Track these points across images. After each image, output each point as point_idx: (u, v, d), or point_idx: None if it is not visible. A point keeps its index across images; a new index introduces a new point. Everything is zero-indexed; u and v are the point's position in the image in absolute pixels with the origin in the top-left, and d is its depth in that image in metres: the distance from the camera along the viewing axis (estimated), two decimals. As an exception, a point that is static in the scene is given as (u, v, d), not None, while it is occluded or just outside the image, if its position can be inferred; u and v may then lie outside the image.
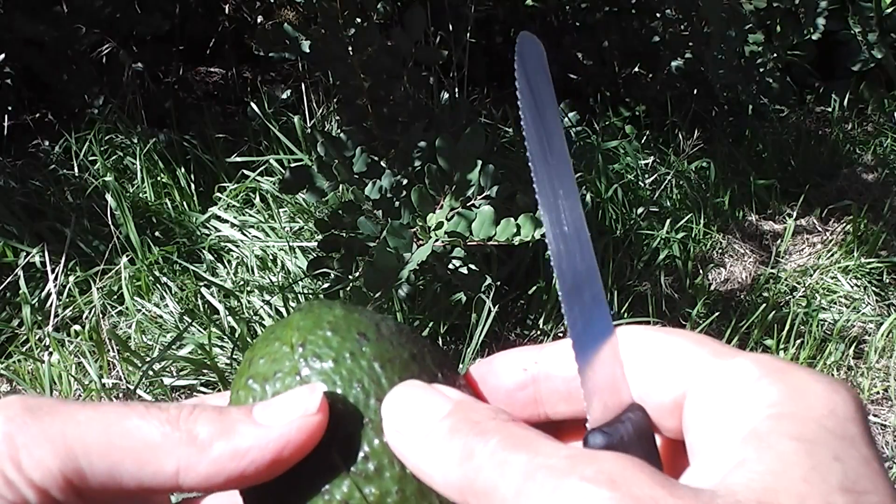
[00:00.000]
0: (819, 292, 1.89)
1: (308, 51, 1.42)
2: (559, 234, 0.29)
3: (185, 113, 2.17)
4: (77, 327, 1.54)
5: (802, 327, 1.73)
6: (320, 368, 0.28)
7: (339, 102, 1.90)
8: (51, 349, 1.48)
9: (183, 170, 1.92)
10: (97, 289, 1.60)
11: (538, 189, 0.29)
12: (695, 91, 2.32)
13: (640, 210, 1.99)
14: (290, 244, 1.72)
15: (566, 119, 2.24)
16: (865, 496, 0.21)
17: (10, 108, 2.09)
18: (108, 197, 1.76)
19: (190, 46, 2.38)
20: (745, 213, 2.16)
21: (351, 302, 1.27)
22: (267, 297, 1.61)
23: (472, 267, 1.52)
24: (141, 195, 1.90)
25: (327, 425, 0.26)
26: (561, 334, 1.63)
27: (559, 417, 0.30)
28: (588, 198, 1.90)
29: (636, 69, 2.42)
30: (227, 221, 1.83)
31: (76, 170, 1.93)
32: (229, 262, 1.75)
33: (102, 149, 1.97)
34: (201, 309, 1.60)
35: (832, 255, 2.00)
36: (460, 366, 1.44)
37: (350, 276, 1.42)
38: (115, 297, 1.66)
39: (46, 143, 2.05)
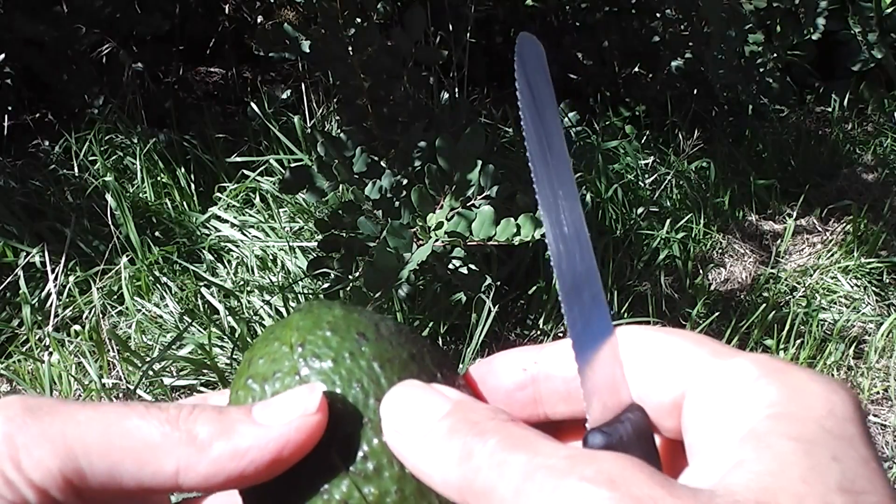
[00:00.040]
0: (819, 292, 1.89)
1: (308, 51, 1.42)
2: (559, 234, 0.29)
3: (185, 113, 2.17)
4: (77, 327, 1.54)
5: (802, 327, 1.73)
6: (319, 368, 0.28)
7: (339, 102, 1.90)
8: (51, 349, 1.48)
9: (183, 170, 1.93)
10: (97, 289, 1.60)
11: (538, 189, 0.29)
12: (695, 91, 2.32)
13: (640, 210, 1.99)
14: (290, 244, 1.72)
15: (566, 119, 2.24)
16: (864, 496, 0.21)
17: (10, 108, 2.09)
18: (108, 197, 1.76)
19: (190, 46, 2.38)
20: (745, 213, 2.16)
21: (351, 302, 1.27)
22: (267, 297, 1.61)
23: (472, 267, 1.52)
24: (141, 195, 1.90)
25: (326, 425, 0.26)
26: (561, 334, 1.63)
27: (559, 417, 0.30)
28: (588, 198, 1.90)
29: (636, 69, 2.42)
30: (227, 221, 1.83)
31: (76, 170, 1.93)
32: (229, 262, 1.75)
33: (102, 149, 1.97)
34: (201, 309, 1.60)
35: (832, 255, 2.00)
36: (460, 366, 1.45)
37: (350, 276, 1.43)
38: (115, 297, 1.66)
39: (46, 143, 2.05)
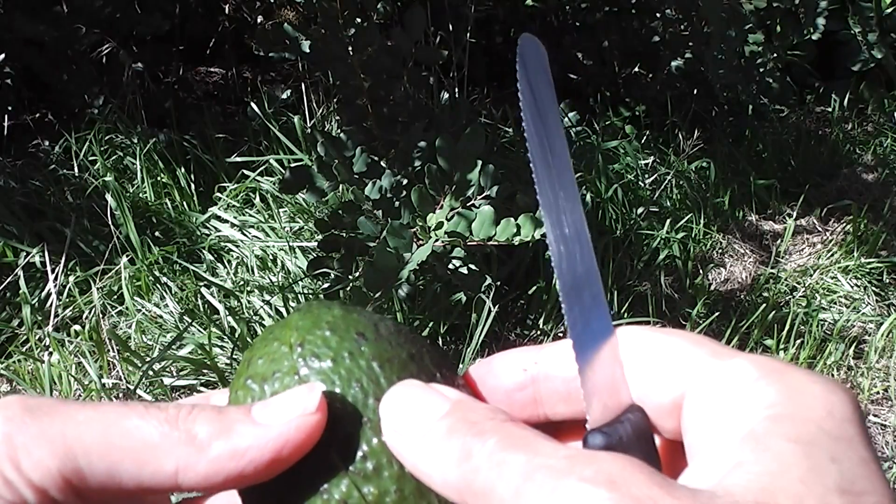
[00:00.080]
0: (819, 292, 1.89)
1: (308, 51, 1.42)
2: (560, 235, 0.29)
3: (185, 113, 2.17)
4: (77, 327, 1.54)
5: (802, 327, 1.73)
6: (319, 368, 0.28)
7: (339, 102, 1.90)
8: (51, 349, 1.48)
9: (183, 170, 1.93)
10: (97, 289, 1.60)
11: (539, 190, 0.29)
12: (695, 91, 2.32)
13: (640, 210, 1.99)
14: (290, 244, 1.72)
15: (566, 119, 2.24)
16: (863, 497, 0.21)
17: (10, 108, 2.09)
18: (108, 197, 1.76)
19: (190, 46, 2.38)
20: (745, 213, 2.16)
21: (351, 302, 1.28)
22: (267, 297, 1.61)
23: (472, 267, 1.52)
24: (141, 195, 1.90)
25: (326, 425, 0.26)
26: (561, 334, 1.63)
27: (558, 418, 0.30)
28: (588, 198, 1.90)
29: (636, 69, 2.42)
30: (227, 221, 1.83)
31: (76, 170, 1.93)
32: (229, 262, 1.75)
33: (102, 149, 1.97)
34: (201, 309, 1.60)
35: (832, 255, 2.00)
36: (460, 366, 1.45)
37: (350, 276, 1.43)
38: (115, 297, 1.66)
39: (46, 143, 2.05)
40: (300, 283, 1.63)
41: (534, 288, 1.65)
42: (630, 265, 1.84)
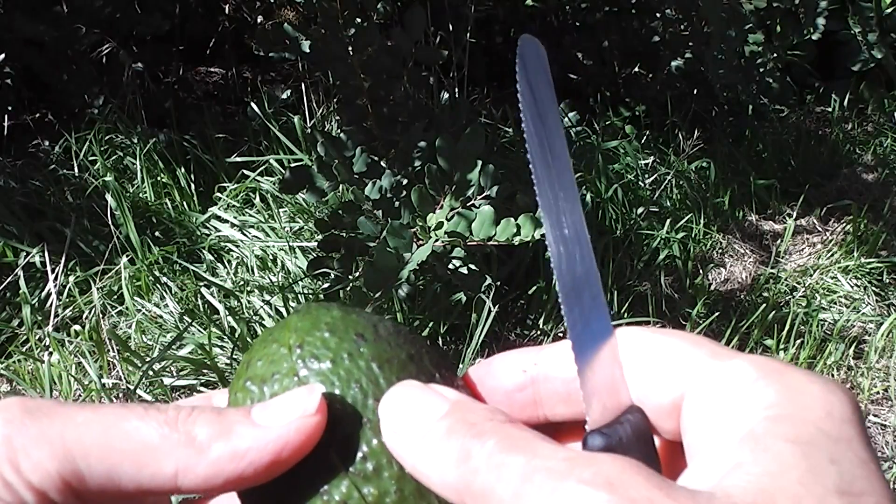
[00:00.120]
0: (819, 292, 1.89)
1: (308, 51, 1.42)
2: (559, 236, 0.29)
3: (185, 113, 2.17)
4: (77, 327, 1.54)
5: (802, 327, 1.73)
6: (318, 369, 0.28)
7: (339, 102, 1.90)
8: (51, 349, 1.48)
9: (183, 170, 1.93)
10: (97, 289, 1.60)
11: (539, 191, 0.29)
12: (695, 91, 2.32)
13: (640, 210, 1.99)
14: (290, 244, 1.72)
15: (566, 119, 2.24)
16: (861, 498, 0.21)
17: (10, 108, 2.09)
18: (108, 197, 1.76)
19: (190, 46, 2.38)
20: (745, 213, 2.16)
21: (351, 302, 1.28)
22: (267, 297, 1.61)
23: (472, 267, 1.52)
24: (141, 195, 1.90)
25: (325, 426, 0.26)
26: (561, 334, 1.63)
27: (558, 419, 0.30)
28: (588, 198, 1.90)
29: (636, 69, 2.42)
30: (227, 221, 1.83)
31: (76, 170, 1.93)
32: (229, 262, 1.76)
33: (102, 149, 1.97)
34: (201, 309, 1.60)
35: (832, 255, 2.00)
36: (460, 366, 1.45)
37: (350, 276, 1.43)
38: (115, 297, 1.66)
39: (46, 143, 2.05)
40: (300, 283, 1.63)
41: (534, 288, 1.65)
42: (630, 265, 1.84)
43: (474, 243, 1.25)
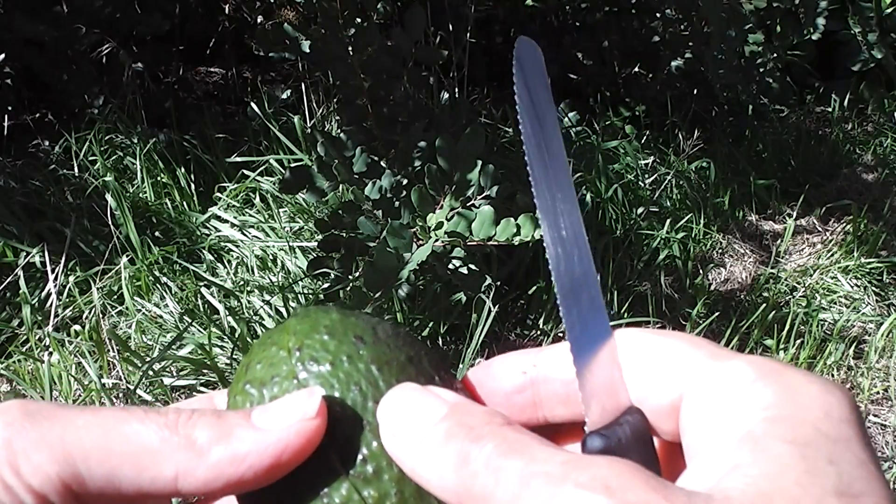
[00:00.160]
0: (819, 292, 1.89)
1: (308, 51, 1.42)
2: (557, 237, 0.29)
3: (185, 113, 2.17)
4: (77, 327, 1.54)
5: (802, 327, 1.73)
6: (318, 372, 0.28)
7: (339, 102, 1.90)
8: (51, 349, 1.49)
9: (183, 170, 1.93)
10: (97, 289, 1.60)
11: (536, 193, 0.29)
12: (695, 91, 2.32)
13: (640, 210, 1.99)
14: (290, 244, 1.72)
15: (566, 119, 2.24)
16: (860, 499, 0.21)
17: (10, 108, 2.09)
18: (108, 197, 1.76)
19: (190, 46, 2.38)
20: (745, 213, 2.16)
21: (351, 302, 1.28)
22: (267, 297, 1.61)
23: (472, 267, 1.52)
24: (141, 195, 1.90)
25: (325, 428, 0.26)
26: (561, 335, 1.63)
27: (558, 420, 0.30)
28: (588, 198, 1.91)
29: (636, 69, 2.42)
30: (227, 221, 1.83)
31: (76, 170, 1.93)
32: (229, 262, 1.76)
33: (102, 149, 1.97)
34: (201, 309, 1.60)
35: (832, 255, 2.00)
36: (460, 366, 1.45)
37: (350, 276, 1.43)
38: (115, 297, 1.66)
39: (46, 143, 2.05)
40: (300, 283, 1.63)
41: (534, 288, 1.65)
42: (630, 265, 1.84)
43: (474, 243, 1.25)
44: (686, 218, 1.99)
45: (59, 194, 1.86)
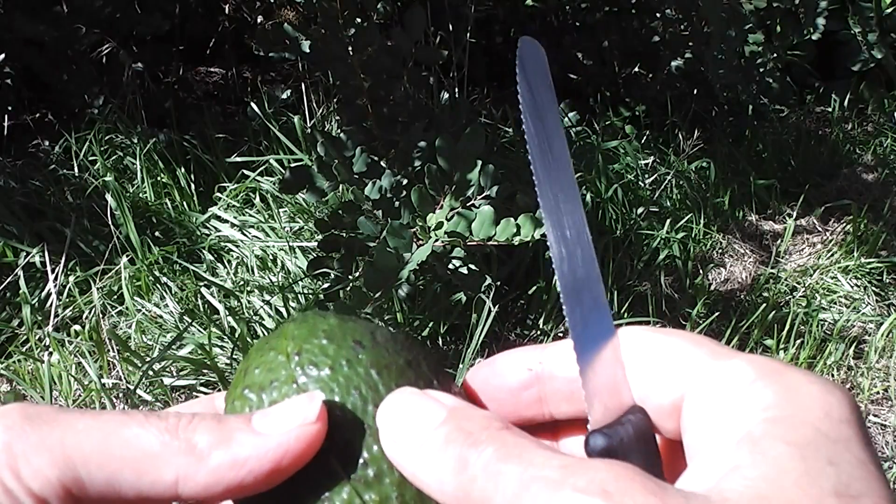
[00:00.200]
0: (819, 292, 1.89)
1: (308, 51, 1.42)
2: (560, 237, 0.29)
3: (185, 113, 2.17)
4: (77, 327, 1.54)
5: (802, 327, 1.73)
6: (317, 376, 0.28)
7: (339, 102, 1.90)
8: (51, 349, 1.49)
9: (183, 170, 1.93)
10: (97, 289, 1.60)
11: (539, 192, 0.29)
12: (695, 91, 2.32)
13: (640, 210, 1.99)
14: (290, 244, 1.72)
15: (566, 119, 2.24)
16: (860, 500, 0.21)
17: (10, 108, 2.09)
18: (108, 197, 1.76)
19: (190, 46, 2.38)
20: (745, 213, 2.16)
21: (351, 302, 1.27)
22: (267, 297, 1.61)
23: (472, 267, 1.52)
24: (141, 195, 1.90)
25: (326, 433, 0.26)
26: (561, 334, 1.63)
27: (563, 417, 0.30)
28: (588, 198, 1.91)
29: (636, 69, 2.42)
30: (227, 221, 1.83)
31: (76, 170, 1.93)
32: (229, 262, 1.76)
33: (102, 149, 1.97)
34: (201, 309, 1.60)
35: (832, 255, 2.00)
36: (460, 366, 1.45)
37: (350, 276, 1.43)
38: (115, 297, 1.66)
39: (46, 143, 2.05)
40: (300, 283, 1.63)
41: (534, 288, 1.65)
42: (630, 265, 1.84)
43: (474, 243, 1.25)
44: (686, 218, 1.99)
45: (59, 194, 1.86)
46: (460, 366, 1.44)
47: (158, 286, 1.66)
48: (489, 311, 1.42)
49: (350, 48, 1.38)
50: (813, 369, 1.65)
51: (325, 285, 1.51)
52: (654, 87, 2.31)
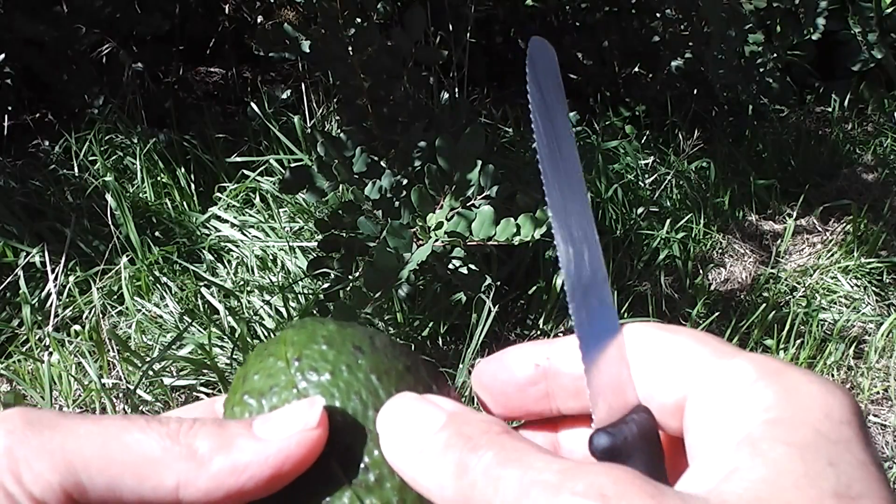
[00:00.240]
0: (819, 292, 1.89)
1: (308, 51, 1.42)
2: (567, 236, 0.29)
3: (185, 113, 2.17)
4: (77, 327, 1.54)
5: (802, 327, 1.73)
6: (317, 381, 0.28)
7: (339, 102, 1.90)
8: (51, 349, 1.49)
9: (183, 170, 1.93)
10: (97, 289, 1.60)
11: (547, 192, 0.29)
12: (695, 91, 2.32)
13: (640, 210, 1.99)
14: (290, 244, 1.72)
15: (566, 119, 2.24)
16: (859, 501, 0.21)
17: (10, 108, 2.09)
18: (108, 197, 1.76)
19: (190, 46, 2.38)
20: (745, 213, 2.16)
21: (351, 302, 1.27)
22: (267, 297, 1.61)
23: (472, 267, 1.52)
24: (141, 195, 1.90)
25: (327, 438, 0.26)
26: (561, 335, 1.63)
27: (570, 412, 0.30)
28: (588, 198, 1.90)
29: (636, 69, 2.42)
30: (227, 221, 1.83)
31: (76, 170, 1.93)
32: (229, 262, 1.76)
33: (102, 149, 1.97)
34: (201, 309, 1.60)
35: (832, 255, 2.00)
36: (460, 366, 1.45)
37: (350, 276, 1.43)
38: (115, 297, 1.66)
39: (46, 143, 2.05)
40: (300, 283, 1.63)
41: (534, 288, 1.65)
42: (630, 265, 1.84)
43: (474, 243, 1.25)
44: (686, 218, 1.99)
45: (59, 194, 1.86)
46: (460, 366, 1.44)
47: (158, 286, 1.66)
48: (489, 311, 1.42)
49: (350, 48, 1.38)
50: (813, 369, 1.65)
51: (325, 285, 1.51)
52: (654, 87, 2.31)
